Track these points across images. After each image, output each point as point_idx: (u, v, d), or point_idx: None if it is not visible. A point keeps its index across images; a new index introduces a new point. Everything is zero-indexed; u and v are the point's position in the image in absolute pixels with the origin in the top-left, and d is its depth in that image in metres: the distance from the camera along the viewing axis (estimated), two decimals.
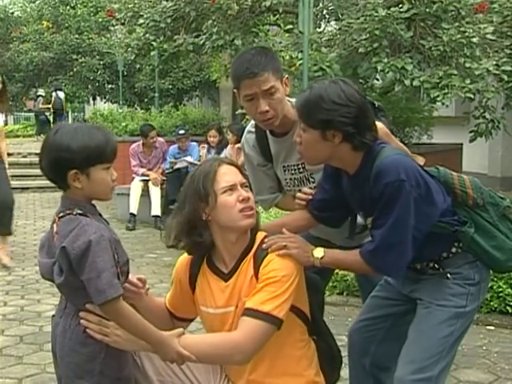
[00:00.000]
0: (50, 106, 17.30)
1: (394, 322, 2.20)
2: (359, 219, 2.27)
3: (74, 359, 1.82)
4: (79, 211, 1.80)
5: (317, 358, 2.13)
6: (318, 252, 2.03)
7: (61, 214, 1.81)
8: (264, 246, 2.01)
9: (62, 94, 17.23)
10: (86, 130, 1.81)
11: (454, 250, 2.01)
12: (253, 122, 2.51)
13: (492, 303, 4.06)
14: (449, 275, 2.01)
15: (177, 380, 2.06)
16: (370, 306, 2.29)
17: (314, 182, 2.39)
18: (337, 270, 4.41)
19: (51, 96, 17.42)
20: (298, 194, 2.27)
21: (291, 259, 1.98)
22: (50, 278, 1.85)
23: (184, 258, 2.18)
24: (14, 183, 10.75)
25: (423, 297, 2.06)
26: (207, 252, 2.09)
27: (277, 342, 1.99)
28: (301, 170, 2.41)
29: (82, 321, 1.81)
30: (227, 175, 2.00)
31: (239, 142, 7.08)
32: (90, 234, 1.72)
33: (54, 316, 1.94)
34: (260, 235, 2.07)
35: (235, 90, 2.33)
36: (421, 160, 2.12)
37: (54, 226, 1.83)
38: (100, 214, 1.90)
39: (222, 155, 7.62)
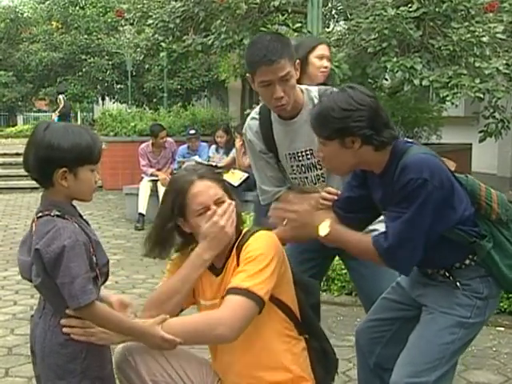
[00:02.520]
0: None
1: (400, 326, 2.18)
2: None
3: (55, 360, 1.81)
4: (57, 212, 1.78)
5: (306, 356, 2.12)
6: (324, 229, 2.01)
7: (39, 214, 1.81)
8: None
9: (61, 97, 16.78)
10: (75, 130, 1.80)
11: (467, 261, 1.98)
12: (257, 109, 2.52)
13: (502, 304, 4.03)
14: (458, 284, 1.98)
15: (170, 380, 2.06)
16: (379, 308, 2.28)
17: (321, 169, 2.39)
18: (345, 271, 4.41)
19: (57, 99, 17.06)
20: (323, 194, 2.24)
21: (269, 240, 2.00)
22: (27, 277, 1.85)
23: (175, 260, 2.17)
24: (24, 183, 10.86)
25: (428, 303, 2.04)
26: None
27: (260, 333, 2.01)
28: (308, 156, 2.41)
29: (64, 329, 1.80)
30: (199, 196, 1.98)
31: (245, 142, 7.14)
32: (64, 239, 1.71)
33: (32, 316, 1.94)
34: (243, 230, 2.10)
35: (248, 75, 2.34)
36: (452, 165, 2.09)
37: (33, 225, 1.82)
38: (80, 215, 1.88)
39: (231, 155, 7.63)
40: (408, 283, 2.16)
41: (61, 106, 15.70)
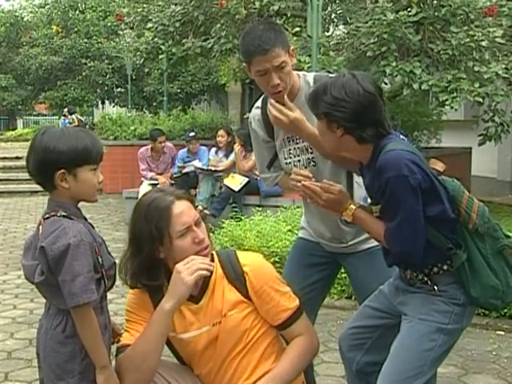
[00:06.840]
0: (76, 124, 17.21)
1: (381, 335, 2.18)
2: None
3: (55, 359, 1.83)
4: (63, 213, 1.81)
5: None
6: (348, 216, 2.04)
7: (46, 216, 1.83)
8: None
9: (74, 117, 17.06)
10: (72, 133, 1.84)
11: (445, 267, 1.98)
12: (260, 98, 2.56)
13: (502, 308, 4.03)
14: (436, 288, 1.98)
15: None
16: (360, 315, 2.28)
17: (312, 153, 2.43)
18: (345, 275, 4.41)
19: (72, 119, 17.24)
20: (293, 176, 2.24)
21: (262, 260, 2.15)
22: (33, 280, 1.85)
23: (135, 296, 2.06)
24: (24, 186, 10.88)
25: (408, 311, 2.04)
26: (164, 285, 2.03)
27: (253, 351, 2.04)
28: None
29: None
30: (182, 216, 1.92)
31: (244, 146, 7.15)
32: (69, 237, 1.74)
33: (41, 320, 1.95)
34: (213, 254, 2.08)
35: (245, 64, 2.38)
36: (441, 166, 2.07)
37: (40, 227, 1.84)
38: (85, 218, 1.91)
39: (230, 158, 7.63)
40: (390, 289, 2.17)
41: (74, 124, 15.84)
